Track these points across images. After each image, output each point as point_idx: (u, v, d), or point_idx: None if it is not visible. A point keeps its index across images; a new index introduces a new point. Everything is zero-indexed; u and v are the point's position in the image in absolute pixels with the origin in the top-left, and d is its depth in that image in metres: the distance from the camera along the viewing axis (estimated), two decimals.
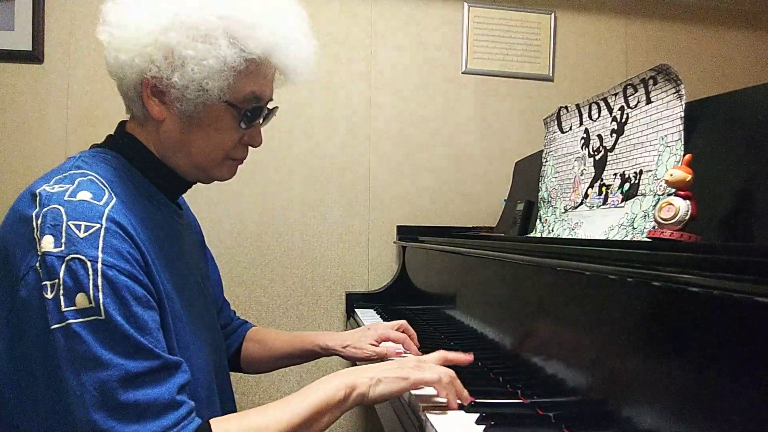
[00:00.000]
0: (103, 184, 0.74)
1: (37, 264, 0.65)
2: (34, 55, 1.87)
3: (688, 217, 0.76)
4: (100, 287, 0.65)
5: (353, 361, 1.14)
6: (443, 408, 0.81)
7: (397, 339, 1.13)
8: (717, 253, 0.58)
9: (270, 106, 0.88)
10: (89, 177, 0.74)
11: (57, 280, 0.64)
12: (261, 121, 0.86)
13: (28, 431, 0.68)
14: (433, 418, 0.78)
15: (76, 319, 0.64)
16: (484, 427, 0.73)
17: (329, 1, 2.05)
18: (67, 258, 0.65)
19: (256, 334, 1.18)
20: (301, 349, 1.15)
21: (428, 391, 0.84)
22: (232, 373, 1.06)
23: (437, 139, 2.12)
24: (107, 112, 1.91)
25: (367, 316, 1.76)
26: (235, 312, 1.21)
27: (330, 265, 2.04)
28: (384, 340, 1.13)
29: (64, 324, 0.63)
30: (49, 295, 0.64)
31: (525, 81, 2.17)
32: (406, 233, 1.99)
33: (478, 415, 0.77)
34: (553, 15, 2.18)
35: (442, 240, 1.65)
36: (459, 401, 0.81)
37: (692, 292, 0.55)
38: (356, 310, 1.89)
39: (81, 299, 0.64)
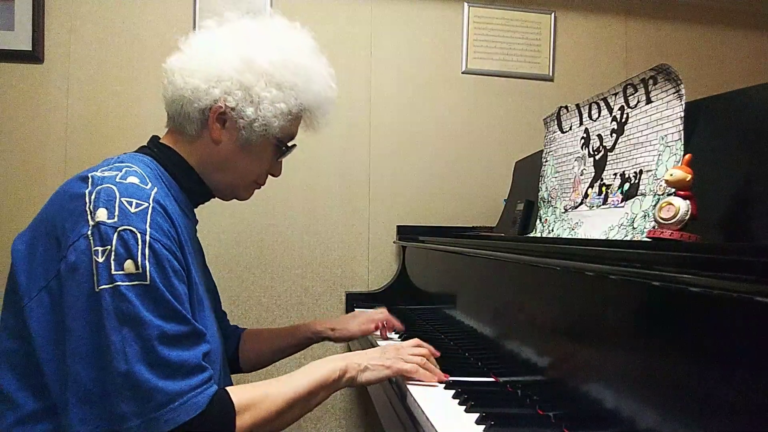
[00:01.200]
0: (144, 175, 0.83)
1: (89, 232, 0.74)
2: (34, 55, 1.87)
3: (688, 217, 0.76)
4: (147, 256, 0.74)
5: (343, 342, 1.28)
6: (427, 386, 0.94)
7: (380, 318, 1.31)
8: (717, 253, 0.58)
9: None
10: (133, 168, 0.83)
11: (109, 247, 0.73)
12: (286, 155, 1.02)
13: (59, 392, 0.74)
14: (431, 414, 0.78)
15: (123, 282, 0.72)
16: (483, 427, 0.73)
17: (329, 0, 2.05)
18: (120, 228, 0.74)
19: (251, 335, 1.27)
20: (293, 337, 1.26)
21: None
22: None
23: (437, 139, 2.12)
24: (107, 112, 1.91)
25: None
26: (228, 321, 1.26)
27: (330, 265, 2.04)
28: (368, 323, 1.28)
29: (112, 285, 0.72)
30: (101, 259, 0.72)
31: (525, 81, 2.17)
32: (406, 233, 1.99)
33: (478, 414, 0.77)
34: (553, 15, 2.18)
35: (442, 240, 1.65)
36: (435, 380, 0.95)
37: (692, 292, 0.55)
38: (356, 310, 1.89)
39: (129, 265, 0.73)
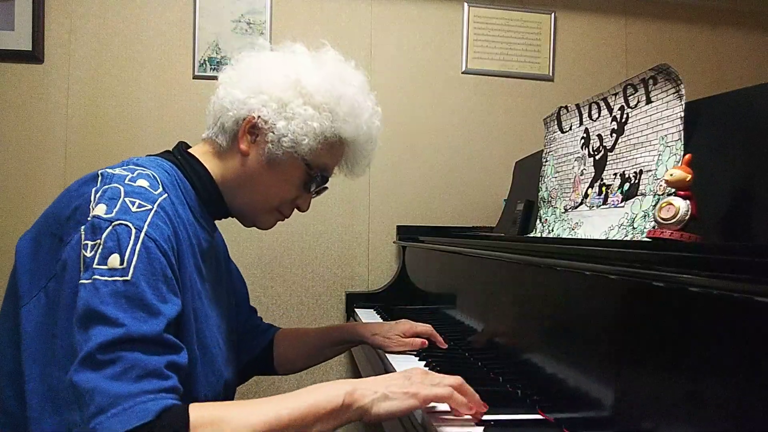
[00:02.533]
0: (158, 181, 0.81)
1: (82, 227, 0.71)
2: (34, 55, 1.87)
3: (688, 217, 0.76)
4: (137, 252, 0.69)
5: (381, 350, 1.16)
6: (456, 420, 0.75)
7: (424, 332, 1.17)
8: (717, 253, 0.58)
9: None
10: (147, 172, 0.81)
11: (99, 241, 0.69)
12: (316, 190, 0.98)
13: (36, 400, 0.72)
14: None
15: (102, 276, 0.67)
16: (483, 427, 0.73)
17: (329, 0, 2.05)
18: (115, 222, 0.70)
19: (285, 335, 1.21)
20: (331, 340, 1.19)
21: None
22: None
23: (437, 139, 2.12)
24: (107, 112, 1.91)
25: (367, 316, 1.76)
26: (261, 318, 1.23)
27: (330, 265, 2.04)
28: (411, 335, 1.17)
29: (90, 280, 0.67)
30: (88, 253, 0.69)
31: (525, 81, 2.17)
32: (406, 233, 1.99)
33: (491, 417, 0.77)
34: (553, 15, 2.18)
35: (442, 240, 1.65)
36: (472, 413, 0.75)
37: (692, 292, 0.55)
38: (356, 310, 1.89)
39: (113, 260, 0.68)
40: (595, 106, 1.18)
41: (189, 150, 0.94)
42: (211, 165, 0.92)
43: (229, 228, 1.95)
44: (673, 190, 0.80)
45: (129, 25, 1.93)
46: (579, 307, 0.79)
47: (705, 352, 0.54)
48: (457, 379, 0.76)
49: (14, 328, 0.75)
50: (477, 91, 2.15)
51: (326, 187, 1.00)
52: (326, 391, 0.71)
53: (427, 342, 1.16)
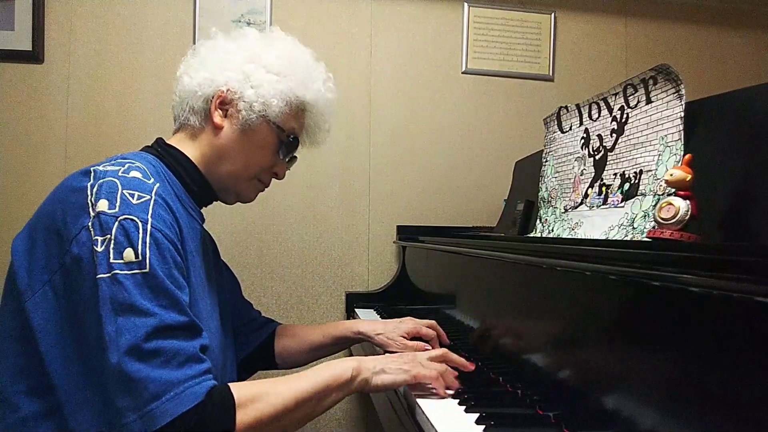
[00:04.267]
0: (147, 171, 0.83)
1: (90, 223, 0.73)
2: (34, 55, 1.87)
3: (688, 217, 0.76)
4: (148, 244, 0.73)
5: (383, 348, 1.17)
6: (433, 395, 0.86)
7: (427, 335, 1.18)
8: (717, 253, 0.58)
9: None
10: (136, 164, 0.83)
11: (109, 236, 0.72)
12: (288, 158, 1.04)
13: (66, 391, 0.74)
14: (431, 415, 0.78)
15: (122, 270, 0.71)
16: (483, 427, 0.73)
17: (329, 1, 2.05)
18: (121, 218, 0.74)
19: (287, 330, 1.23)
20: (335, 336, 1.20)
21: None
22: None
23: (437, 139, 2.12)
24: (107, 112, 1.91)
25: (367, 316, 1.76)
26: (260, 312, 1.24)
27: (330, 265, 2.04)
28: (415, 335, 1.18)
29: (110, 274, 0.71)
30: (100, 249, 0.72)
31: (525, 81, 2.17)
32: (406, 233, 1.99)
33: (477, 414, 0.77)
34: (553, 15, 2.18)
35: (442, 240, 1.65)
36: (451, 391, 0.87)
37: (692, 292, 0.55)
38: (356, 310, 1.89)
39: (128, 254, 0.72)
40: (595, 106, 1.18)
41: (167, 142, 0.98)
42: (189, 149, 0.97)
43: (229, 228, 1.97)
44: (673, 190, 0.80)
45: (129, 25, 1.93)
46: (579, 307, 0.79)
47: (705, 352, 0.54)
48: (440, 352, 0.94)
49: (20, 325, 0.76)
50: (477, 91, 2.15)
51: (296, 156, 1.06)
52: (339, 366, 0.83)
53: (429, 346, 1.15)
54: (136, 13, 1.94)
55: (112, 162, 0.83)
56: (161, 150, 0.96)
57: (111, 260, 0.71)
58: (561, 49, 2.19)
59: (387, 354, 0.93)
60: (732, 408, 0.50)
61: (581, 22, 2.21)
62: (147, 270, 0.72)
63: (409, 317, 1.23)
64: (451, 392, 0.88)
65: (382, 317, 1.68)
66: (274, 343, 1.20)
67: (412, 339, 1.16)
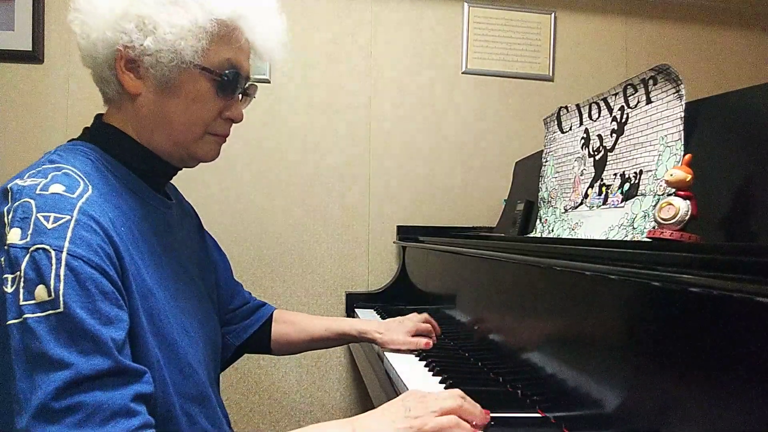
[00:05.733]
0: (78, 176, 0.71)
1: (2, 258, 0.63)
2: (34, 55, 1.87)
3: (688, 217, 0.76)
4: (62, 278, 0.61)
5: (386, 347, 1.17)
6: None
7: (425, 330, 1.20)
8: (717, 253, 0.58)
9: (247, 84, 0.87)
10: (64, 170, 0.71)
11: (18, 273, 0.61)
12: (239, 94, 0.85)
13: None
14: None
15: (33, 313, 0.60)
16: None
17: (329, 1, 2.05)
18: (32, 249, 0.62)
19: (287, 316, 1.19)
20: (337, 332, 1.17)
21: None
22: (249, 359, 1.04)
23: (437, 139, 2.12)
24: None
25: (367, 316, 1.76)
26: (250, 293, 1.19)
27: (330, 265, 2.04)
28: (416, 333, 1.18)
29: (20, 319, 0.60)
30: (9, 289, 0.61)
31: (525, 81, 2.17)
32: (406, 233, 1.99)
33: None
34: (553, 15, 2.18)
35: (442, 240, 1.65)
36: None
37: (692, 292, 0.55)
38: (356, 310, 1.89)
39: (41, 291, 0.61)
40: (595, 106, 1.18)
41: (103, 119, 0.85)
42: (122, 124, 0.82)
43: (229, 228, 1.97)
44: (673, 190, 0.80)
45: None
46: (579, 307, 0.79)
47: (705, 352, 0.54)
48: (455, 399, 0.74)
49: None
50: (477, 91, 2.15)
51: (253, 84, 0.87)
52: None
53: (431, 343, 1.17)
54: None
55: (37, 170, 0.70)
56: (99, 133, 0.82)
57: (21, 302, 0.60)
58: (561, 49, 2.19)
59: (388, 405, 0.76)
60: (732, 408, 0.50)
61: (581, 22, 2.21)
62: (62, 309, 0.60)
63: (408, 315, 1.24)
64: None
65: (382, 317, 1.68)
66: (272, 328, 1.16)
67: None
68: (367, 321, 1.21)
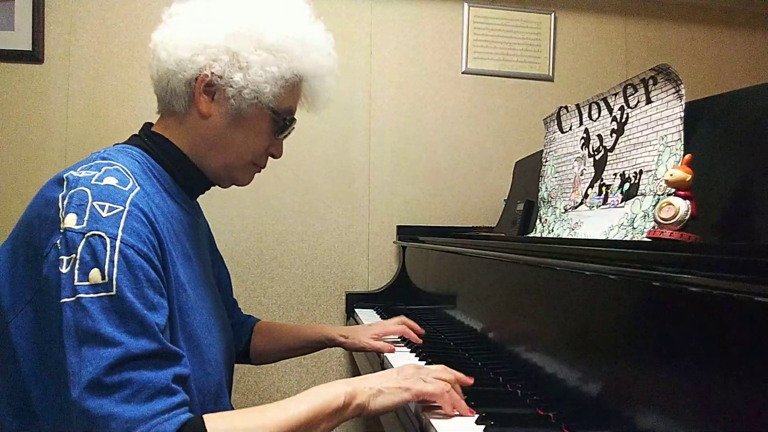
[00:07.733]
0: (127, 173, 0.76)
1: (58, 241, 0.67)
2: (34, 55, 1.87)
3: (688, 217, 0.76)
4: (115, 263, 0.66)
5: (351, 350, 1.22)
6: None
7: (396, 332, 1.22)
8: (717, 253, 0.58)
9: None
10: (115, 166, 0.76)
11: (74, 255, 0.66)
12: (285, 135, 0.95)
13: (44, 419, 0.70)
14: (436, 422, 0.77)
15: (87, 294, 0.65)
16: (483, 427, 0.73)
17: (329, 0, 2.05)
18: (88, 234, 0.67)
19: (263, 327, 1.23)
20: (306, 340, 1.22)
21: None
22: (236, 370, 1.10)
23: (437, 139, 2.12)
24: (107, 112, 1.91)
25: (367, 316, 1.76)
26: (240, 310, 1.24)
27: (330, 265, 2.04)
28: (384, 335, 1.21)
29: (74, 298, 0.64)
30: (65, 270, 0.66)
31: (525, 81, 2.17)
32: (406, 233, 1.99)
33: (477, 414, 0.77)
34: (553, 15, 2.18)
35: (442, 240, 1.65)
36: (458, 412, 0.79)
37: (692, 292, 0.55)
38: (356, 310, 1.89)
39: (94, 274, 0.65)
40: (595, 106, 1.18)
41: (153, 129, 0.90)
42: (176, 137, 0.88)
43: (229, 228, 1.97)
44: (673, 190, 0.80)
45: (129, 25, 1.93)
46: (579, 307, 0.79)
47: (705, 352, 0.54)
48: (449, 373, 0.83)
49: (6, 344, 0.72)
50: (477, 91, 2.15)
51: (294, 128, 0.96)
52: (328, 392, 0.74)
53: (395, 349, 1.17)
54: (136, 13, 1.94)
55: (90, 164, 0.76)
56: (148, 141, 0.88)
57: (75, 283, 0.65)
58: (561, 49, 2.19)
59: (385, 371, 0.84)
60: (732, 408, 0.50)
61: (581, 22, 2.21)
62: (114, 293, 0.65)
63: (386, 320, 1.26)
64: (460, 411, 0.79)
65: (382, 317, 1.68)
66: (251, 339, 1.20)
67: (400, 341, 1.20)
68: (335, 327, 1.25)
